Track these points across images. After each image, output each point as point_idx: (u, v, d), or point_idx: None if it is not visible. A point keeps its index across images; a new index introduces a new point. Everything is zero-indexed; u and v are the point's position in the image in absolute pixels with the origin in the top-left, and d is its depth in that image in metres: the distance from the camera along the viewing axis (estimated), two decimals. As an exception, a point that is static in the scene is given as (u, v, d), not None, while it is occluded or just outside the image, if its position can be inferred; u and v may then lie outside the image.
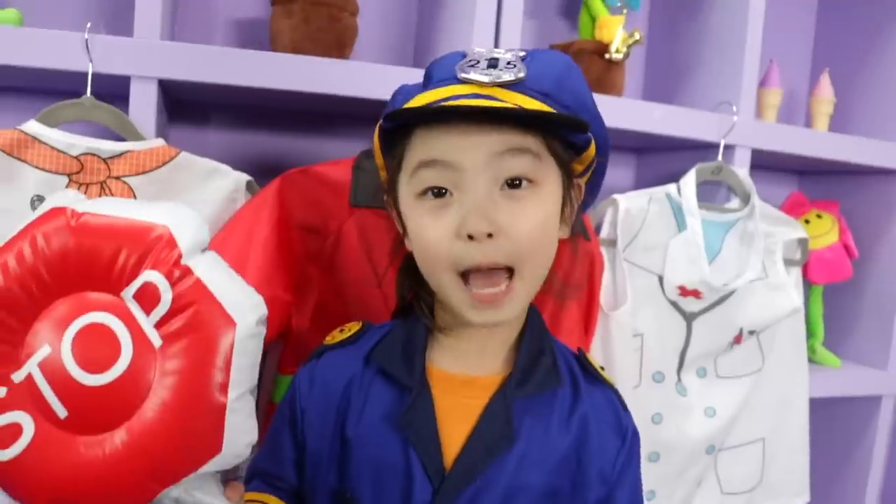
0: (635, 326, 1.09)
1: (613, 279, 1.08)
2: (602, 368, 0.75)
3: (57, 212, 0.60)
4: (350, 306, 0.92)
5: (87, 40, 0.86)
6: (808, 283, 1.36)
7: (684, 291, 1.10)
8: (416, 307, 0.70)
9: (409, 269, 0.70)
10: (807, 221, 1.34)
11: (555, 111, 0.61)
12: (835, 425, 1.44)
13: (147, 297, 0.58)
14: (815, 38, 1.57)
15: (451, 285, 0.62)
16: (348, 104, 1.03)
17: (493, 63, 0.61)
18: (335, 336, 0.75)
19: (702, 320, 1.13)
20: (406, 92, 0.68)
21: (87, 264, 0.59)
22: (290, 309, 0.92)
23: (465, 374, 0.69)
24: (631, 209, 1.09)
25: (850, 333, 1.43)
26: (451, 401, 0.68)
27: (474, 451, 0.66)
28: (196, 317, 0.58)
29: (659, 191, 1.12)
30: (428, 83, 0.66)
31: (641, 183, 1.36)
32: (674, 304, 1.12)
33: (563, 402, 0.69)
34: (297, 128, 1.18)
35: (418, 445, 0.66)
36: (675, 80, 1.31)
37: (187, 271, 0.59)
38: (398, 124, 0.64)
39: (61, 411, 0.58)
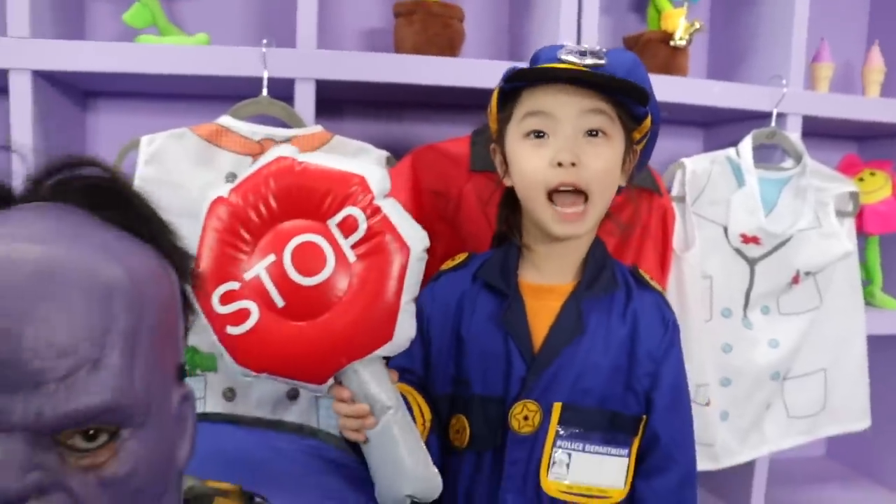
0: (704, 269, 1.33)
1: (684, 228, 1.32)
2: (651, 279, 1.00)
3: (283, 159, 0.87)
4: (469, 247, 1.19)
5: (264, 53, 1.16)
6: (865, 235, 1.56)
7: (746, 239, 1.33)
8: (509, 232, 0.97)
9: (506, 201, 0.98)
10: (861, 179, 1.54)
11: (622, 80, 0.87)
12: (884, 360, 1.63)
13: (347, 226, 0.84)
14: (870, 13, 1.76)
15: (542, 204, 0.89)
16: (457, 94, 1.31)
17: (583, 53, 0.87)
18: (448, 264, 1.03)
19: (763, 264, 1.35)
20: (516, 68, 0.95)
21: (305, 198, 0.84)
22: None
23: (546, 284, 0.96)
24: (696, 170, 1.33)
25: (907, 279, 1.62)
26: (537, 304, 0.95)
27: (555, 339, 0.93)
28: (382, 242, 0.83)
29: (720, 154, 1.35)
30: (534, 63, 0.93)
31: (709, 152, 1.59)
32: (737, 251, 1.35)
33: (619, 302, 0.96)
34: (414, 116, 1.47)
35: (515, 336, 0.93)
36: (735, 59, 1.54)
37: (377, 210, 0.83)
38: (515, 85, 0.90)
39: (279, 302, 0.83)
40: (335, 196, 0.83)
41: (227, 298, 0.84)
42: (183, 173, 1.15)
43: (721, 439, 1.36)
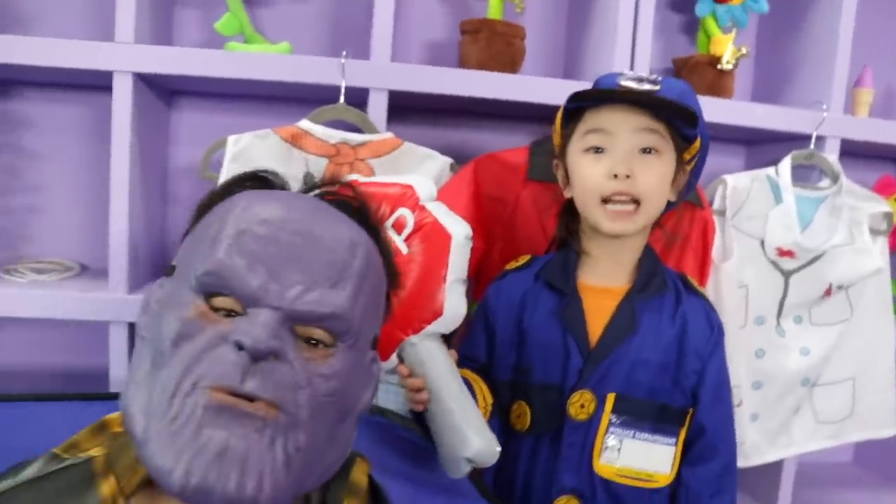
0: (740, 279, 1.42)
1: (723, 240, 1.41)
2: (698, 285, 1.11)
3: (352, 184, 1.01)
4: (523, 253, 1.30)
5: (343, 64, 1.28)
6: (897, 255, 1.64)
7: (781, 252, 1.42)
8: (568, 237, 1.08)
9: (566, 211, 1.09)
10: (895, 200, 1.62)
11: (674, 102, 0.97)
12: None
13: (399, 224, 0.97)
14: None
15: (597, 208, 1.01)
16: (516, 107, 1.42)
17: (640, 79, 0.99)
18: (512, 264, 1.16)
19: (797, 276, 1.44)
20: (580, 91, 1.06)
21: None
22: (482, 254, 1.31)
23: (602, 285, 1.08)
24: (737, 186, 1.43)
25: (937, 298, 1.69)
26: (593, 303, 1.07)
27: (610, 336, 1.04)
28: (427, 233, 0.96)
29: (760, 172, 1.45)
30: (596, 87, 1.04)
31: (749, 169, 1.68)
32: (773, 263, 1.44)
33: (669, 304, 1.07)
34: (476, 126, 1.59)
35: (573, 331, 1.05)
36: (779, 83, 1.63)
37: (423, 208, 0.97)
38: (578, 105, 1.02)
39: None
40: (389, 203, 0.99)
41: None
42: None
43: (751, 439, 1.45)
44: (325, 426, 0.62)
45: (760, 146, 1.68)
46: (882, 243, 1.51)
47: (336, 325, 0.62)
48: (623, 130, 0.99)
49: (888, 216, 1.51)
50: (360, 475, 0.75)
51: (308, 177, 0.75)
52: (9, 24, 1.45)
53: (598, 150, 1.01)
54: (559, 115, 1.07)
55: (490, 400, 1.07)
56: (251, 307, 0.59)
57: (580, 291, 1.07)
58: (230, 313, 0.60)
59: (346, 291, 0.63)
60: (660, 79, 1.00)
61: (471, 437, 0.91)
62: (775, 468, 1.58)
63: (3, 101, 1.47)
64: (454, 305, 0.96)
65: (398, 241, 0.97)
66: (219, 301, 0.60)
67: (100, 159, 1.50)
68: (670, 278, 1.10)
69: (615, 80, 1.01)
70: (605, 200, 1.00)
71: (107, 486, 0.61)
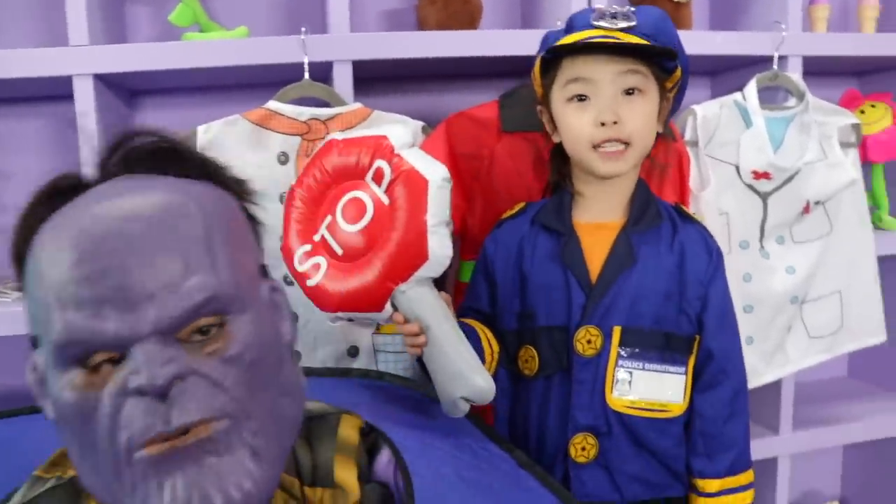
0: (720, 206, 1.45)
1: (699, 169, 1.44)
2: (694, 214, 1.13)
3: (328, 142, 1.02)
4: (505, 206, 1.32)
5: (303, 40, 1.28)
6: (870, 164, 1.68)
7: (757, 175, 1.45)
8: (561, 181, 1.10)
9: (556, 155, 1.10)
10: (862, 112, 1.65)
11: (653, 45, 0.99)
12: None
13: (378, 176, 0.97)
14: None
15: (588, 153, 1.02)
16: (480, 63, 1.43)
17: (614, 15, 0.99)
18: (507, 213, 1.17)
19: (774, 197, 1.47)
20: (553, 37, 1.07)
21: (345, 165, 0.99)
22: (464, 212, 1.32)
23: (598, 222, 1.09)
24: (707, 115, 1.45)
25: (912, 202, 1.73)
26: (590, 240, 1.08)
27: (610, 269, 1.06)
28: (404, 180, 0.95)
29: (727, 98, 1.47)
30: (570, 30, 1.05)
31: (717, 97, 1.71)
32: (750, 187, 1.47)
33: (666, 234, 1.09)
34: (443, 87, 1.61)
35: (573, 269, 1.06)
36: (736, 9, 1.66)
37: (398, 157, 0.97)
38: (555, 55, 1.03)
39: (339, 251, 0.98)
40: (365, 156, 0.99)
41: (304, 258, 1.01)
42: (238, 157, 1.27)
43: (748, 363, 1.48)
44: (267, 390, 0.60)
45: (724, 75, 1.70)
46: (853, 155, 1.54)
47: (213, 307, 0.56)
48: (604, 76, 1.00)
49: (856, 128, 1.53)
50: (348, 431, 0.74)
51: (103, 155, 0.65)
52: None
53: (581, 98, 1.02)
54: (537, 64, 1.07)
55: (496, 348, 1.10)
56: (128, 348, 0.54)
57: (577, 230, 1.09)
58: (112, 360, 0.55)
59: (202, 266, 0.56)
60: (634, 11, 1.01)
61: (465, 375, 0.93)
62: (774, 389, 1.62)
63: (-36, 121, 1.46)
64: (439, 248, 0.96)
65: (379, 192, 0.98)
66: (94, 358, 0.55)
67: (67, 168, 1.50)
68: (664, 209, 1.12)
69: (588, 18, 1.01)
70: (596, 146, 1.02)
71: (94, 502, 0.61)
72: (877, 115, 1.65)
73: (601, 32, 1.00)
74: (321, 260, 1.00)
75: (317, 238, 1.01)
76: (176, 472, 0.53)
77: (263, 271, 0.66)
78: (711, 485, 1.10)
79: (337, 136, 1.03)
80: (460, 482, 0.79)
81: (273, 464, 0.58)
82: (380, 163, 0.98)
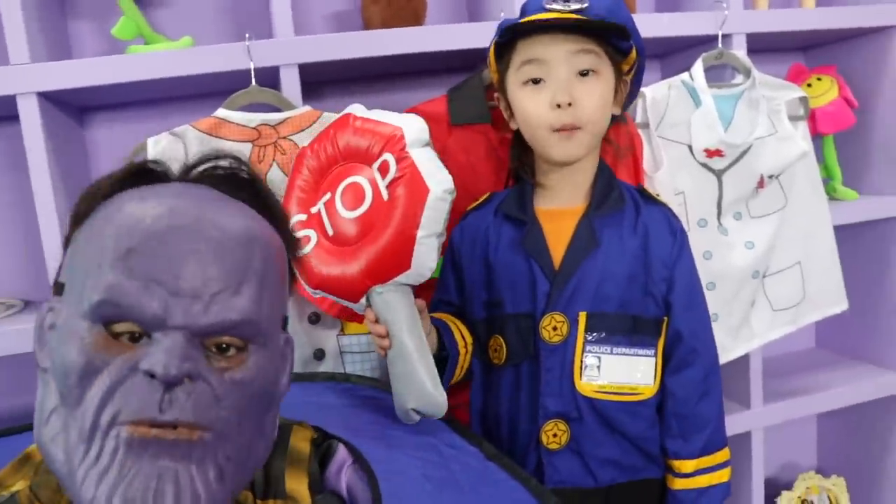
0: (676, 186, 1.46)
1: (651, 151, 1.45)
2: (657, 195, 1.14)
3: (345, 116, 1.03)
4: (459, 199, 1.32)
5: (248, 46, 1.28)
6: (820, 136, 1.70)
7: (709, 153, 1.47)
8: (521, 169, 1.11)
9: (515, 143, 1.11)
10: (809, 85, 1.69)
11: (604, 22, 0.99)
12: (862, 246, 1.81)
13: (384, 169, 0.98)
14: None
15: (544, 135, 1.03)
16: (427, 59, 1.44)
17: None
18: (472, 205, 1.18)
19: (729, 174, 1.49)
20: (507, 24, 1.07)
21: (356, 146, 1.00)
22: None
23: (560, 208, 1.10)
24: (656, 97, 1.47)
25: (864, 170, 1.77)
26: (552, 226, 1.09)
27: (573, 254, 1.07)
28: (407, 182, 0.96)
29: (675, 79, 1.49)
30: (523, 14, 1.05)
31: (667, 77, 1.73)
32: (704, 165, 1.49)
33: (629, 217, 1.10)
34: (391, 86, 1.61)
35: (536, 257, 1.07)
36: (677, -9, 1.67)
37: (406, 156, 0.97)
38: (508, 38, 1.04)
39: (330, 230, 1.00)
40: (377, 144, 0.99)
41: (297, 226, 1.03)
42: (190, 167, 1.28)
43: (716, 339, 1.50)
44: (251, 424, 0.63)
45: (672, 56, 1.73)
46: (803, 128, 1.56)
47: (244, 331, 0.61)
48: (558, 57, 1.01)
49: (804, 101, 1.56)
50: (299, 442, 0.75)
51: (190, 163, 0.71)
52: None
53: (535, 81, 1.03)
54: (491, 49, 1.08)
55: (469, 340, 1.11)
56: (155, 331, 0.58)
57: (539, 218, 1.10)
58: (133, 335, 0.59)
59: (250, 293, 0.61)
60: None
61: (421, 388, 0.94)
62: (743, 364, 1.64)
63: None
64: (423, 260, 0.96)
65: (381, 185, 0.98)
66: (119, 326, 0.58)
67: (20, 191, 1.48)
68: (627, 191, 1.13)
69: (541, 2, 1.02)
70: (555, 130, 1.03)
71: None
72: (823, 88, 1.68)
73: (554, 15, 1.00)
74: (312, 234, 1.02)
75: (313, 210, 1.03)
76: (147, 458, 0.55)
77: (285, 322, 0.71)
78: (687, 465, 1.12)
79: (357, 110, 1.05)
80: (426, 482, 0.79)
81: (230, 490, 0.60)
82: (388, 156, 0.98)
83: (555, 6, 1.01)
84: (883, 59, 1.69)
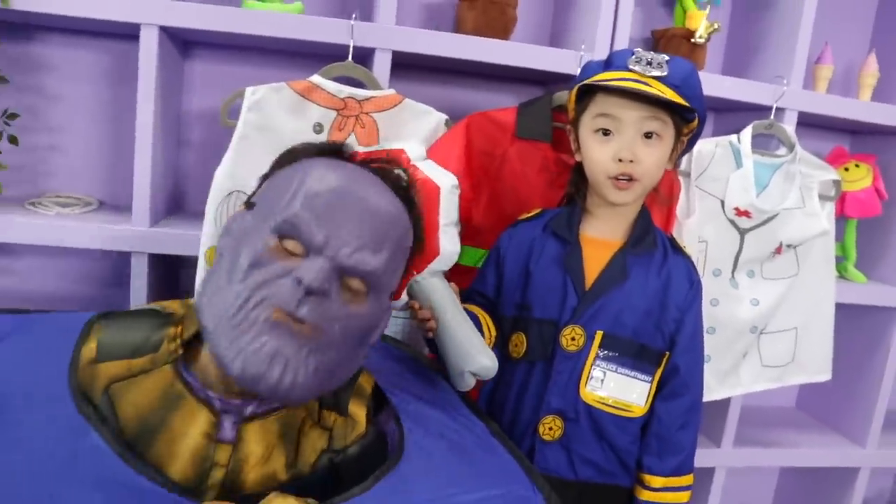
0: (701, 234, 1.60)
1: (687, 198, 1.59)
2: (684, 247, 1.29)
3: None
4: (507, 203, 1.47)
5: (352, 26, 1.42)
6: (846, 218, 1.83)
7: (738, 212, 1.60)
8: (576, 195, 1.26)
9: (576, 172, 1.27)
10: (846, 169, 1.81)
11: (678, 100, 1.14)
12: (860, 327, 1.95)
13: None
14: (875, 20, 2.00)
15: (603, 181, 1.18)
16: (507, 70, 1.58)
17: (649, 62, 1.14)
18: (524, 215, 1.33)
19: (752, 234, 1.63)
20: (592, 68, 1.22)
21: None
22: (469, 201, 1.47)
23: (601, 238, 1.26)
24: (702, 151, 1.60)
25: (879, 258, 1.90)
26: (591, 252, 1.25)
27: (603, 281, 1.22)
28: (420, 187, 1.08)
29: (724, 139, 1.62)
30: (608, 66, 1.20)
31: (717, 135, 1.85)
32: (731, 222, 1.62)
33: (657, 260, 1.25)
34: (471, 83, 1.75)
35: (571, 274, 1.23)
36: (748, 56, 1.81)
37: (413, 167, 1.16)
38: (591, 89, 1.18)
39: None
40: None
41: None
42: (278, 120, 1.42)
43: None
44: (348, 349, 0.83)
45: (728, 113, 1.85)
46: (829, 208, 1.69)
47: (371, 280, 0.83)
48: (629, 118, 1.15)
49: (837, 184, 1.69)
50: (365, 383, 0.96)
51: (369, 157, 0.95)
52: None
53: (606, 132, 1.18)
54: (574, 91, 1.22)
55: (494, 332, 1.27)
56: (312, 254, 0.80)
57: (581, 242, 1.26)
58: (294, 254, 0.81)
59: (384, 255, 0.83)
60: (667, 60, 1.15)
61: (472, 354, 1.10)
62: (723, 407, 1.79)
63: (26, 44, 1.59)
64: (449, 245, 1.14)
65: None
66: (289, 243, 0.81)
67: (116, 103, 1.64)
68: (660, 238, 1.28)
69: (626, 60, 1.16)
70: (611, 178, 1.18)
71: (174, 329, 0.87)
72: (859, 175, 1.80)
73: (634, 76, 1.14)
74: None
75: None
76: (274, 335, 0.76)
77: (392, 294, 0.91)
78: (656, 481, 1.28)
79: (360, 148, 1.29)
80: (442, 439, 0.95)
81: (317, 384, 0.80)
82: (399, 171, 1.15)
83: (637, 68, 1.15)
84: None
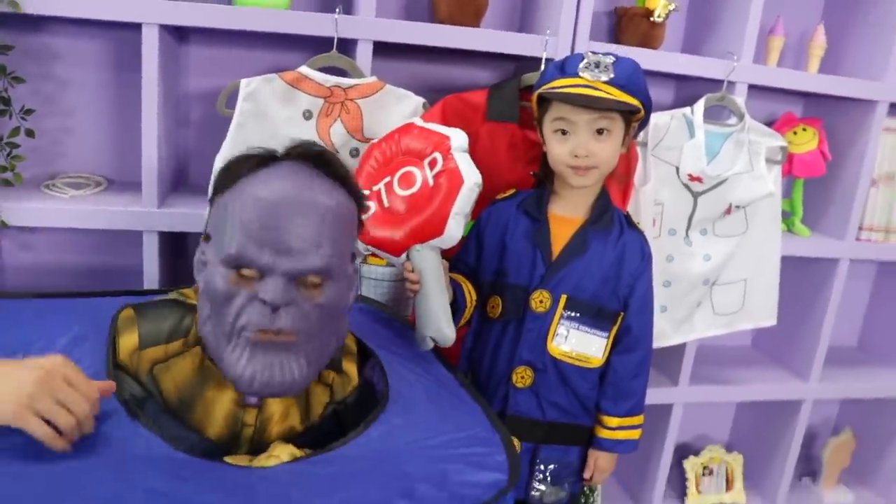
0: (657, 197, 1.78)
1: (644, 167, 1.76)
2: (638, 223, 1.48)
3: (410, 125, 1.38)
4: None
5: (336, 19, 1.56)
6: (793, 178, 2.00)
7: (691, 178, 1.77)
8: (545, 179, 1.46)
9: (544, 160, 1.45)
10: (794, 132, 1.97)
11: (624, 102, 1.31)
12: (806, 275, 2.15)
13: (432, 163, 1.33)
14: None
15: (565, 170, 1.37)
16: (479, 54, 1.71)
17: (597, 65, 1.31)
18: (501, 195, 1.52)
19: (704, 197, 1.80)
20: (550, 73, 1.38)
21: (414, 149, 1.35)
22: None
23: (566, 216, 1.45)
24: (658, 123, 1.76)
25: (821, 214, 2.09)
26: (557, 228, 1.44)
27: (567, 253, 1.43)
28: (449, 175, 1.32)
29: (678, 111, 1.78)
30: (563, 72, 1.35)
31: (678, 101, 2.01)
32: (685, 186, 1.79)
33: (614, 235, 1.45)
34: (446, 62, 1.90)
35: (540, 247, 1.43)
36: (705, 33, 1.95)
37: (451, 156, 1.32)
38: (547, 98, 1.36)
39: (385, 202, 1.35)
40: (430, 146, 1.35)
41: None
42: (271, 108, 1.57)
43: (659, 327, 1.84)
44: (328, 330, 0.99)
45: (686, 84, 2.00)
46: (776, 171, 1.86)
47: (323, 272, 0.96)
48: (582, 120, 1.34)
49: (783, 150, 1.85)
50: (350, 342, 1.16)
51: (293, 146, 1.04)
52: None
53: (563, 132, 1.36)
54: (535, 98, 1.41)
55: (475, 297, 1.47)
56: (266, 275, 0.93)
57: (549, 219, 1.45)
58: (251, 277, 0.94)
59: (327, 248, 0.95)
60: (613, 62, 1.31)
61: (437, 322, 1.29)
62: (679, 350, 1.99)
63: (35, 35, 1.72)
64: (452, 231, 1.33)
65: (429, 174, 1.35)
66: (244, 271, 0.94)
67: (120, 86, 1.78)
68: (617, 216, 1.47)
69: (577, 67, 1.33)
70: (571, 167, 1.37)
71: (190, 318, 1.05)
72: (806, 138, 1.96)
73: (585, 82, 1.31)
74: (372, 205, 1.39)
75: (375, 188, 1.40)
76: (262, 353, 0.94)
77: (353, 256, 1.05)
78: (612, 421, 1.51)
79: (417, 121, 1.43)
80: (418, 389, 1.15)
81: (314, 369, 0.99)
82: (437, 155, 1.35)
83: (586, 75, 1.31)
84: (861, 126, 1.99)
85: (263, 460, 0.94)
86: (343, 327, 1.05)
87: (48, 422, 0.83)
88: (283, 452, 0.95)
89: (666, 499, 2.20)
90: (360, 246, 1.40)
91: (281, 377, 0.93)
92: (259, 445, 1.02)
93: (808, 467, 2.50)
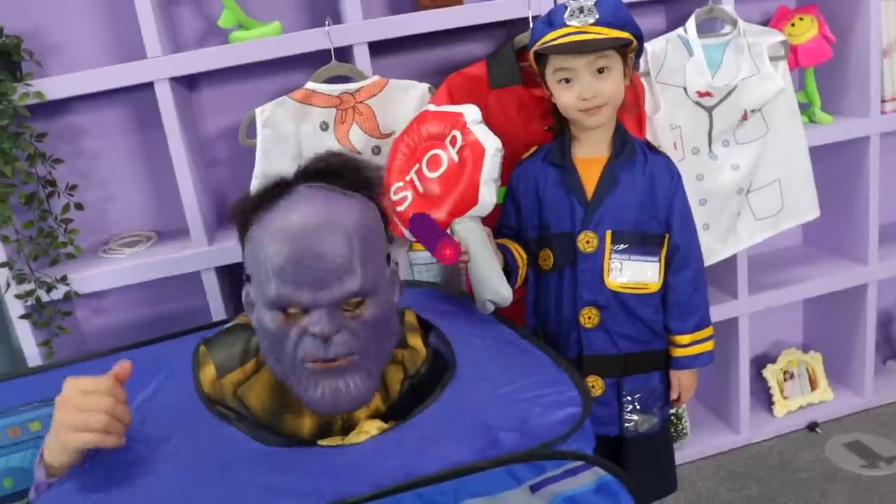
0: (672, 121, 1.83)
1: (652, 96, 1.81)
2: (659, 146, 1.54)
3: (425, 113, 1.48)
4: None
5: (328, 31, 1.65)
6: (802, 69, 2.03)
7: (700, 94, 1.82)
8: (561, 128, 1.53)
9: (556, 111, 1.52)
10: (792, 24, 2.00)
11: (615, 37, 1.38)
12: (839, 161, 2.17)
13: (453, 141, 1.42)
14: None
15: (577, 114, 1.44)
16: (469, 28, 1.78)
17: (581, 9, 1.37)
18: (525, 155, 1.59)
19: (717, 110, 1.84)
20: (539, 30, 1.44)
21: (434, 133, 1.45)
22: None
23: (590, 157, 1.52)
24: (655, 50, 1.81)
25: (840, 98, 2.11)
26: (585, 170, 1.51)
27: (600, 190, 1.49)
28: (470, 147, 1.40)
29: (672, 34, 1.83)
30: (551, 25, 1.42)
31: (671, 24, 2.05)
32: (697, 104, 1.84)
33: (640, 163, 1.51)
34: (442, 41, 1.97)
35: (573, 192, 1.50)
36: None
37: (468, 130, 1.41)
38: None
39: (420, 188, 1.44)
40: (447, 126, 1.45)
41: (397, 191, 1.50)
42: (289, 129, 1.67)
43: (705, 244, 1.88)
44: (381, 336, 1.03)
45: (675, 4, 2.04)
46: (783, 67, 1.89)
47: (360, 293, 0.98)
48: (580, 65, 1.40)
49: (784, 43, 1.88)
50: (410, 318, 1.22)
51: (306, 166, 1.08)
52: (44, 52, 1.79)
53: (567, 80, 1.43)
54: (532, 56, 1.48)
55: (525, 256, 1.56)
56: (310, 309, 0.97)
57: (575, 164, 1.52)
58: (297, 314, 0.98)
59: (359, 269, 0.97)
60: (595, 4, 1.37)
61: (493, 285, 1.37)
62: (732, 262, 2.03)
63: (62, 117, 1.85)
64: (487, 198, 1.42)
65: (452, 152, 1.45)
66: (289, 310, 0.98)
67: (146, 143, 1.90)
68: (638, 144, 1.54)
69: (562, 16, 1.39)
70: (582, 110, 1.44)
71: (256, 339, 1.10)
72: (805, 27, 1.99)
73: (574, 29, 1.38)
74: (408, 193, 1.49)
75: (407, 178, 1.50)
76: (326, 379, 1.00)
77: (388, 258, 1.08)
78: (683, 339, 1.57)
79: (430, 107, 1.53)
80: (486, 348, 1.22)
81: (377, 378, 1.05)
82: (455, 132, 1.44)
83: (573, 22, 1.38)
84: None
85: (354, 437, 1.02)
86: (395, 325, 1.09)
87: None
88: (371, 427, 1.03)
89: (753, 411, 2.24)
90: (407, 233, 1.49)
91: (348, 395, 0.99)
92: (347, 433, 1.08)
93: (891, 349, 2.51)
